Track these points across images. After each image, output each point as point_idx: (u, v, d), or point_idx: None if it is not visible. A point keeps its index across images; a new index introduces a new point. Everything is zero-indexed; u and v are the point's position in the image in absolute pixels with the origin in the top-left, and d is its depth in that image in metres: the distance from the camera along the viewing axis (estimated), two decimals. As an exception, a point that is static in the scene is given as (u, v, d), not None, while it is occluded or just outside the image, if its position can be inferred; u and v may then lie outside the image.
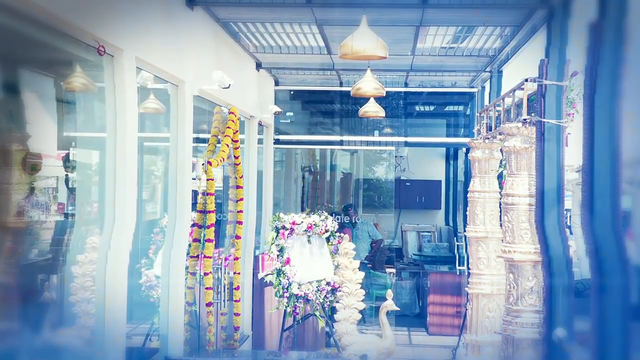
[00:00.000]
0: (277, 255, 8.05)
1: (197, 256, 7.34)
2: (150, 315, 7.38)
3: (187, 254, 7.14)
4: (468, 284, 8.12)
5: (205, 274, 7.30)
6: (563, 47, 5.93)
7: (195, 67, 7.05)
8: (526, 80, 6.10)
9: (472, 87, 11.82)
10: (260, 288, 9.50)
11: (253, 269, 9.40)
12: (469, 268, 8.30)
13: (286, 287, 8.02)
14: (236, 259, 8.25)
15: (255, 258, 9.47)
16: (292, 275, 8.04)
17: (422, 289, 12.82)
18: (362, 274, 8.18)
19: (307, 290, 8.08)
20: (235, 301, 8.13)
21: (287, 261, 8.06)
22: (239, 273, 8.30)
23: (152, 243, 7.64)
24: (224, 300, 8.01)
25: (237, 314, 8.12)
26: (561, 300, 5.73)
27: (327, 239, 8.41)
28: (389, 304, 7.83)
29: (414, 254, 14.65)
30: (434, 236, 15.31)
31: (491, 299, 7.84)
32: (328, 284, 8.20)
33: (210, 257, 7.30)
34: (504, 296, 6.65)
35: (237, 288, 8.19)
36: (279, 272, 8.05)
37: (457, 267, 11.53)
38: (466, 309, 8.27)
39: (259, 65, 10.32)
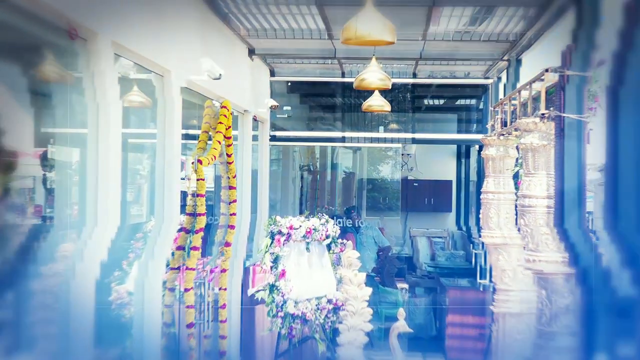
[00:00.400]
0: (271, 267, 7.59)
1: (179, 268, 6.98)
2: (122, 339, 6.80)
3: (167, 265, 6.76)
4: (493, 301, 7.73)
5: (186, 289, 6.93)
6: (593, 30, 5.60)
7: (182, 55, 6.97)
8: (546, 70, 6.05)
9: (487, 77, 11.75)
10: (250, 306, 8.96)
11: (242, 284, 8.88)
12: (492, 282, 7.95)
13: (280, 305, 7.54)
14: (223, 271, 7.88)
15: (245, 270, 9.05)
16: (287, 291, 7.55)
17: (439, 307, 12.17)
18: (369, 290, 7.87)
19: (305, 308, 7.64)
20: (221, 322, 7.74)
21: (282, 274, 7.61)
22: (225, 289, 7.90)
23: (130, 251, 7.22)
24: (207, 321, 7.52)
25: (223, 337, 7.73)
26: (601, 321, 5.43)
27: (328, 247, 8.04)
28: (401, 325, 7.57)
29: (426, 264, 14.16)
30: (447, 243, 15.12)
31: (520, 319, 7.37)
32: (329, 301, 7.80)
33: (194, 269, 6.92)
34: (535, 316, 6.21)
35: (224, 306, 7.80)
36: (272, 288, 7.57)
37: (479, 281, 10.86)
38: (491, 331, 7.92)
39: (251, 52, 10.20)
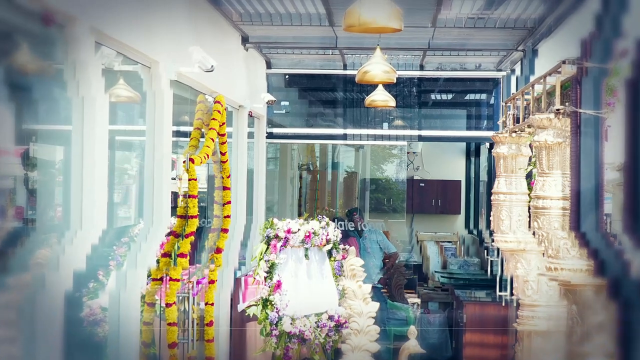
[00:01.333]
0: (265, 277, 7.15)
1: (162, 279, 6.59)
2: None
3: (148, 275, 6.56)
4: (517, 317, 7.26)
5: (167, 305, 6.52)
6: (619, 15, 5.22)
7: (170, 44, 6.91)
8: (563, 62, 6.01)
9: (500, 70, 11.70)
10: (240, 324, 8.46)
11: (232, 298, 8.44)
12: (513, 294, 7.60)
13: (275, 322, 7.04)
14: (211, 282, 7.52)
15: (236, 282, 8.61)
16: (283, 307, 7.09)
17: (455, 324, 11.41)
18: (376, 305, 7.47)
19: (303, 326, 7.10)
20: (208, 341, 7.35)
21: (278, 285, 7.13)
22: (212, 304, 7.48)
23: (111, 259, 6.68)
24: (192, 341, 7.13)
25: (209, 358, 7.36)
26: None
27: (329, 253, 7.66)
28: (412, 346, 7.24)
29: (436, 272, 13.66)
30: (458, 248, 14.95)
31: (548, 338, 6.96)
32: (331, 318, 7.30)
33: (178, 280, 6.52)
34: (565, 334, 5.82)
35: (210, 324, 7.39)
36: (266, 302, 7.11)
37: (498, 293, 9.87)
38: (515, 352, 7.42)
39: (245, 40, 10.12)
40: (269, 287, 7.15)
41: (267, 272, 7.17)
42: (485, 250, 12.24)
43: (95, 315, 6.16)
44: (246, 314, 7.62)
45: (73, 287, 4.97)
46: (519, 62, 10.41)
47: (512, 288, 7.81)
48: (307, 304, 7.32)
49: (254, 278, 7.23)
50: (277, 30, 9.77)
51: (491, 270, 11.03)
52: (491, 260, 10.96)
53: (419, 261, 14.80)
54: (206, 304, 7.45)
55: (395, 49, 10.68)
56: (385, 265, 12.70)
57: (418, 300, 12.43)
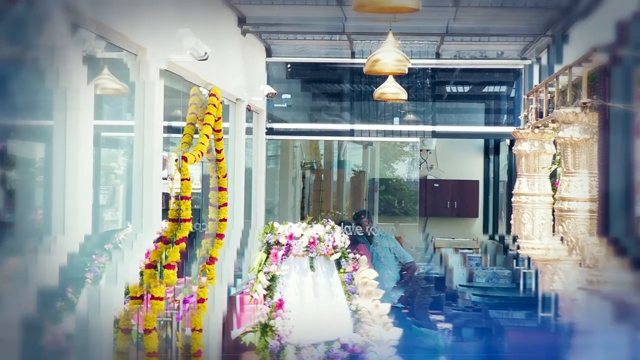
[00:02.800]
0: (265, 295, 6.69)
1: (142, 297, 6.11)
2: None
3: (126, 293, 6.03)
4: (570, 348, 6.44)
5: (146, 331, 5.97)
6: None
7: (159, 27, 6.85)
8: (594, 49, 5.96)
9: (524, 58, 11.63)
10: (234, 354, 7.70)
11: (224, 322, 7.80)
12: (557, 315, 7.27)
13: (277, 352, 6.53)
14: (201, 301, 7.00)
15: (230, 301, 8.03)
16: (286, 333, 6.58)
17: (494, 356, 10.15)
18: (398, 332, 6.93)
19: (311, 357, 6.59)
20: None
21: (279, 305, 6.64)
22: (200, 330, 6.91)
23: (87, 270, 6.19)
24: None
25: None
26: None
27: (338, 264, 7.16)
28: None
29: (461, 287, 12.79)
30: (483, 257, 14.17)
31: None
32: (344, 347, 6.69)
33: (161, 299, 6.04)
34: None
35: (198, 354, 6.80)
36: (265, 328, 6.62)
37: (540, 314, 9.30)
38: None
39: (242, 22, 10.01)
40: (269, 307, 6.66)
41: (266, 289, 6.70)
42: (515, 260, 11.68)
43: (58, 343, 5.47)
44: (241, 342, 7.07)
45: (37, 307, 4.60)
46: (546, 50, 10.31)
47: (557, 308, 7.50)
48: (315, 329, 6.75)
49: (251, 296, 6.77)
50: (277, 10, 9.64)
51: (524, 284, 10.67)
52: (524, 272, 10.52)
53: (441, 273, 13.91)
54: (193, 329, 6.87)
55: (409, 35, 10.61)
56: (402, 278, 11.95)
57: (448, 325, 11.29)
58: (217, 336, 7.71)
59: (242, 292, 8.30)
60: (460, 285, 12.98)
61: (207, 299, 7.03)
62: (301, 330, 6.63)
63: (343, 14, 9.76)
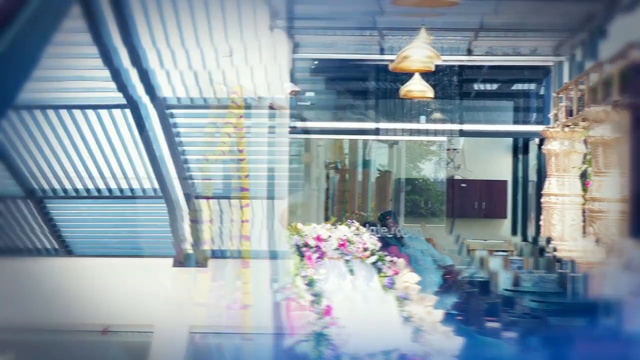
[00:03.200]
0: (312, 301, 6.42)
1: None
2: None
3: None
4: None
5: None
6: None
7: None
8: (631, 46, 5.92)
9: (558, 54, 11.52)
10: None
11: (275, 331, 7.05)
12: (623, 323, 6.77)
13: None
14: (244, 307, 6.80)
15: (275, 307, 7.29)
16: (341, 343, 6.28)
17: None
18: (459, 341, 6.82)
19: None
20: None
21: (327, 311, 6.40)
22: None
23: None
24: None
25: None
26: None
27: (376, 267, 6.96)
28: None
29: (506, 291, 12.28)
30: (525, 260, 13.65)
31: None
32: (403, 357, 6.50)
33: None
34: None
35: None
36: (320, 337, 6.31)
37: (605, 322, 8.65)
38: None
39: (273, 16, 9.86)
40: (317, 313, 6.40)
41: (311, 294, 6.47)
42: (558, 263, 11.52)
43: None
44: (295, 352, 6.59)
45: None
46: (580, 46, 10.19)
47: (620, 315, 6.99)
48: (369, 337, 6.49)
49: (297, 302, 6.52)
50: (311, 5, 9.61)
51: (573, 288, 10.49)
52: (572, 276, 10.34)
53: (485, 277, 13.07)
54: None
55: (442, 30, 10.51)
56: (445, 282, 11.50)
57: (514, 334, 10.41)
58: (267, 344, 7.09)
59: (288, 298, 8.05)
60: (505, 289, 12.45)
61: (250, 303, 6.82)
62: (355, 338, 6.34)
63: (379, 8, 9.64)
